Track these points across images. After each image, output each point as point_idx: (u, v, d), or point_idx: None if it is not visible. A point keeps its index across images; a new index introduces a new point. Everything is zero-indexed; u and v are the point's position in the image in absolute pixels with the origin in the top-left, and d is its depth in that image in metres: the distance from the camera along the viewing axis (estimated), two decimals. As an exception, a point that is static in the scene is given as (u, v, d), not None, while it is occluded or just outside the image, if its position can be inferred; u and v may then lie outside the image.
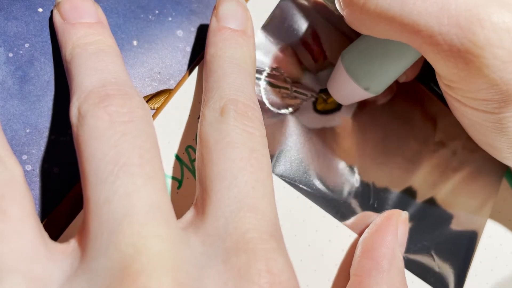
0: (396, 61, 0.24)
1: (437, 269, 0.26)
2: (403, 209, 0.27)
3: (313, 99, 0.27)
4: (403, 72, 0.25)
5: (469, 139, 0.29)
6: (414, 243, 0.26)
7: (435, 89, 0.30)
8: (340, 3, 0.22)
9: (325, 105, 0.27)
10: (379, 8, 0.20)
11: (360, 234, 0.25)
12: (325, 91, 0.27)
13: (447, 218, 0.27)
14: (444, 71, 0.21)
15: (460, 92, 0.21)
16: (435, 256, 0.27)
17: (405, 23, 0.20)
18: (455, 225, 0.27)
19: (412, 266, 0.26)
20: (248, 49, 0.23)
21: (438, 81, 0.23)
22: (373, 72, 0.24)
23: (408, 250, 0.26)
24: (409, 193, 0.27)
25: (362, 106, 0.28)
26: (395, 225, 0.24)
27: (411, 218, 0.27)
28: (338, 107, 0.27)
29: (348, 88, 0.25)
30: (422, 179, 0.27)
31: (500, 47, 0.18)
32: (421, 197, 0.27)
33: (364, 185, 0.26)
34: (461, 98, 0.22)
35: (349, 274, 0.24)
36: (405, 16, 0.20)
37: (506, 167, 0.29)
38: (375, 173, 0.27)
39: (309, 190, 0.25)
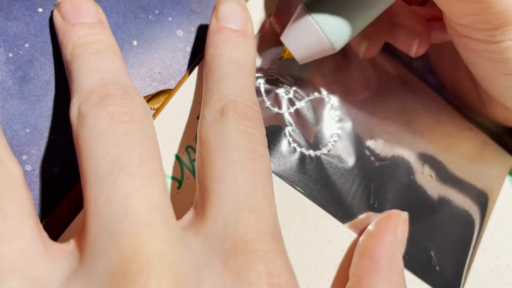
0: (365, 12, 0.23)
1: (437, 269, 0.26)
2: (403, 210, 0.27)
3: (313, 98, 0.27)
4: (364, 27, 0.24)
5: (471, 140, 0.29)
6: (414, 243, 0.26)
7: (437, 89, 0.30)
8: None
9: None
10: None
11: (360, 234, 0.25)
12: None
13: (448, 218, 0.27)
14: (450, 8, 0.22)
15: (466, 28, 0.22)
16: (435, 256, 0.27)
17: None
18: (456, 225, 0.27)
19: (412, 266, 0.26)
20: (248, 49, 0.23)
21: (447, 26, 0.24)
22: (344, 25, 0.23)
23: (408, 250, 0.26)
24: (409, 194, 0.27)
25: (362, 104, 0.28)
26: (395, 225, 0.24)
27: (411, 218, 0.27)
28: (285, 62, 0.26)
29: (314, 43, 0.23)
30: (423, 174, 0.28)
31: None
32: (420, 198, 0.27)
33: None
34: (466, 33, 0.23)
35: (348, 274, 0.24)
36: None
37: (509, 165, 0.30)
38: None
39: (307, 190, 0.25)
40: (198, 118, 0.24)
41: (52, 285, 0.16)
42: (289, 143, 0.25)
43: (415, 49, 0.26)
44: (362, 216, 0.26)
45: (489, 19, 0.21)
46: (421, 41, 0.26)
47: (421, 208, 0.27)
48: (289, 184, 0.25)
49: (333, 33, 0.23)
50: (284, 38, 0.24)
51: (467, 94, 0.30)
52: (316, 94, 0.27)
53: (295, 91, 0.26)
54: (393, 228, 0.24)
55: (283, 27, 0.26)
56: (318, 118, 0.26)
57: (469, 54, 0.24)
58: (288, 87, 0.26)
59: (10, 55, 0.22)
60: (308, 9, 0.23)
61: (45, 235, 0.17)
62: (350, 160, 0.26)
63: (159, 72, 0.24)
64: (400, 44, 0.27)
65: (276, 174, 0.25)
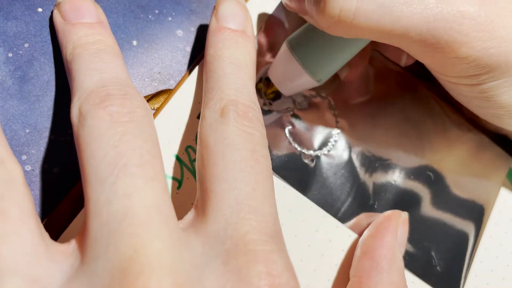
0: (348, 51, 0.24)
1: (437, 269, 0.26)
2: (403, 210, 0.27)
3: (313, 98, 0.27)
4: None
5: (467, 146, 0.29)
6: (415, 243, 0.26)
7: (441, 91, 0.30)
8: (318, 15, 0.21)
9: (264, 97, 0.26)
10: (368, 21, 0.20)
11: (360, 235, 0.25)
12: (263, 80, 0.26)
13: (448, 219, 0.27)
14: (430, 62, 0.22)
15: (450, 74, 0.23)
16: (435, 257, 0.27)
17: (395, 32, 0.20)
18: (456, 225, 0.27)
19: (412, 266, 0.26)
20: (248, 49, 0.23)
21: (430, 71, 0.24)
22: (327, 64, 0.24)
23: (408, 250, 0.26)
24: (409, 194, 0.27)
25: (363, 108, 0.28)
26: (395, 225, 0.24)
27: (411, 218, 0.27)
28: (277, 97, 0.26)
29: (299, 80, 0.24)
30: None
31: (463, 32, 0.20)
32: (420, 199, 0.27)
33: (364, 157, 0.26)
34: (451, 79, 0.23)
35: (349, 274, 0.24)
36: (396, 23, 0.20)
37: (508, 166, 0.30)
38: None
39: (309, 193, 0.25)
40: (198, 118, 0.24)
41: (53, 286, 0.16)
42: (290, 143, 0.25)
43: (404, 60, 0.27)
44: (362, 216, 0.26)
45: (470, 70, 0.22)
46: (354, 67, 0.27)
47: (421, 209, 0.27)
48: (289, 184, 0.25)
49: (317, 71, 0.24)
50: (270, 74, 0.25)
51: (460, 106, 0.30)
52: (316, 94, 0.27)
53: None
54: (393, 228, 0.24)
55: (273, 41, 0.26)
56: (318, 118, 0.26)
57: (456, 93, 0.25)
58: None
59: (10, 55, 0.22)
60: (292, 48, 0.24)
61: (46, 235, 0.17)
62: (350, 160, 0.26)
63: (159, 72, 0.24)
64: (390, 55, 0.28)
65: (277, 174, 0.25)
